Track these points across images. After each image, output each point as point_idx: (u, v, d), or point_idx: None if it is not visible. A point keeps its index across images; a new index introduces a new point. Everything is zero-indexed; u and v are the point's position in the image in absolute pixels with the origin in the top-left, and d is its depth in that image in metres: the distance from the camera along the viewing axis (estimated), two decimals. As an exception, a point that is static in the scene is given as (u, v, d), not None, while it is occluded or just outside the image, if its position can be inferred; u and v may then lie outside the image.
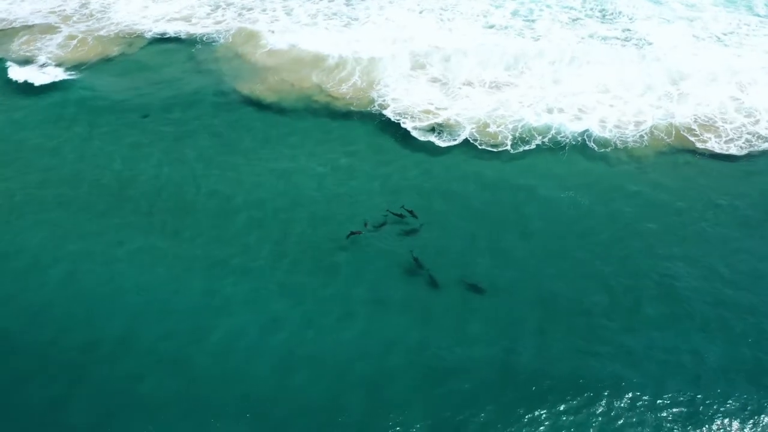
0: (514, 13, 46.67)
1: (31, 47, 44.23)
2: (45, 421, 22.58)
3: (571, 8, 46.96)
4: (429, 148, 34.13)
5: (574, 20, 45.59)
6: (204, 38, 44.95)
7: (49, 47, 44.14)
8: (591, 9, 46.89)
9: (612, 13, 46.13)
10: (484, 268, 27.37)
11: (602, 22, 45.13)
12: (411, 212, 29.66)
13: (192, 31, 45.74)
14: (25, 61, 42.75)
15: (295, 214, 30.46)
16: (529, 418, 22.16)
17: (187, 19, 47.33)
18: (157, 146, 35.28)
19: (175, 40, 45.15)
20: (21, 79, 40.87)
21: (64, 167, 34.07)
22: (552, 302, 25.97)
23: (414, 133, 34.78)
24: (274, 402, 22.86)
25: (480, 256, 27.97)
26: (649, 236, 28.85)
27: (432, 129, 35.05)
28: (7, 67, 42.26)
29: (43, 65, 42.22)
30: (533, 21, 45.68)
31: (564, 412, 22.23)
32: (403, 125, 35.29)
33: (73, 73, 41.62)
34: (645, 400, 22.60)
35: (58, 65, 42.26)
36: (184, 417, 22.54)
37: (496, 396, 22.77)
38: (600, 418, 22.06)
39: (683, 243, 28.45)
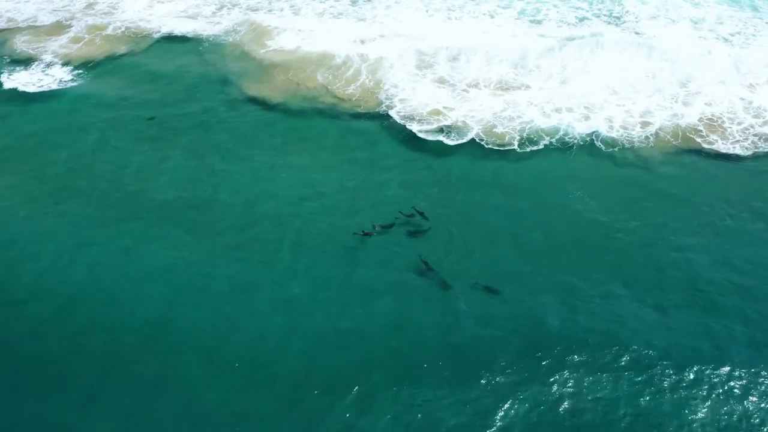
0: (521, 13, 46.69)
1: (37, 46, 44.19)
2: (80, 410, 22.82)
3: (579, 8, 46.99)
4: (436, 149, 34.08)
5: (581, 20, 45.63)
6: (211, 37, 45.01)
7: (54, 46, 44.10)
8: (599, 9, 46.94)
9: (619, 13, 46.15)
10: (497, 268, 27.33)
11: (609, 23, 45.14)
12: (422, 213, 29.65)
13: (199, 30, 45.80)
14: (31, 60, 42.71)
15: (307, 212, 30.44)
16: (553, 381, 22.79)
17: (193, 18, 47.42)
18: (167, 145, 35.20)
19: (182, 38, 45.18)
20: (25, 79, 40.82)
21: (78, 163, 34.10)
22: (569, 294, 26.07)
23: (421, 135, 34.78)
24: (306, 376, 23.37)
25: (493, 256, 27.88)
26: (663, 229, 28.99)
27: (440, 130, 35.02)
28: (12, 67, 42.25)
29: (48, 64, 42.19)
30: (540, 21, 45.65)
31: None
32: (409, 127, 35.25)
33: (79, 72, 41.62)
34: (666, 381, 22.93)
35: (65, 64, 42.27)
36: (220, 403, 22.78)
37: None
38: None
39: (697, 234, 28.65)
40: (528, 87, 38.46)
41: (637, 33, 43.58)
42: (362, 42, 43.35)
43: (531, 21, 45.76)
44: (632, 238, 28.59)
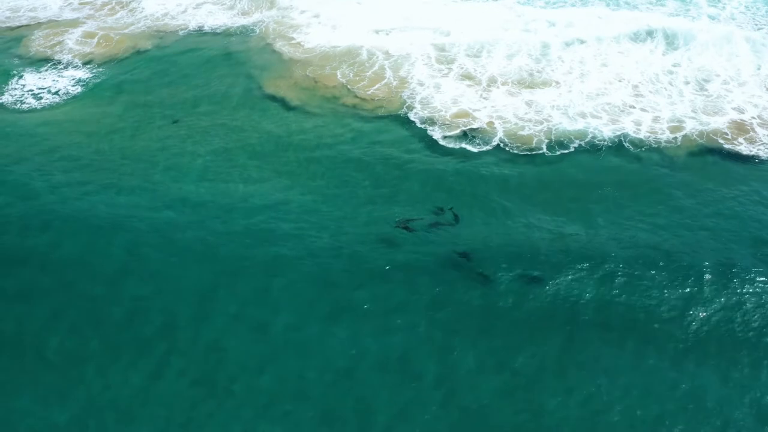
0: (546, 4, 46.98)
1: (57, 43, 44.27)
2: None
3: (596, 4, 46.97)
4: (460, 153, 33.99)
5: (600, 18, 45.27)
6: (239, 30, 45.33)
7: (76, 44, 44.20)
8: (617, 5, 46.92)
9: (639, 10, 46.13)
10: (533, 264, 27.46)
11: (628, 22, 44.71)
12: (455, 216, 29.63)
13: (228, 23, 46.14)
14: (49, 59, 42.81)
15: (334, 210, 30.43)
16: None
17: (218, 12, 47.57)
18: (192, 143, 35.16)
19: (207, 33, 45.42)
20: (46, 77, 41.01)
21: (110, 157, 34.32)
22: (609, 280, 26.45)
23: (442, 142, 34.56)
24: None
25: (527, 256, 27.84)
26: (701, 216, 29.44)
27: (464, 135, 34.87)
28: (30, 64, 42.46)
29: (68, 64, 42.18)
30: (562, 14, 45.63)
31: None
32: (430, 133, 35.05)
33: (102, 68, 41.77)
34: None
35: (86, 63, 42.31)
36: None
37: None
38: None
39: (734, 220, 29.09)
40: (549, 85, 38.48)
41: (660, 30, 43.29)
42: (386, 34, 43.69)
43: (553, 14, 45.73)
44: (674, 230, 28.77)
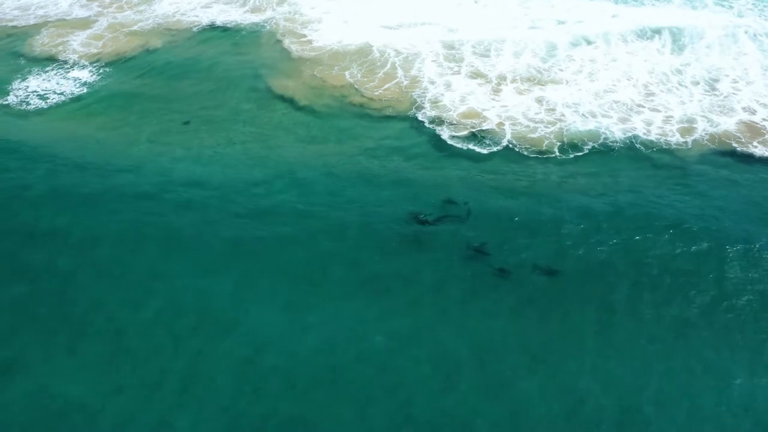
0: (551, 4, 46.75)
1: (67, 42, 44.30)
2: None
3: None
4: (470, 154, 33.92)
5: (613, 16, 45.34)
6: (246, 28, 45.41)
7: (85, 42, 44.26)
8: (624, 1, 46.86)
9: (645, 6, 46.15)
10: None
11: (635, 19, 44.83)
12: (468, 212, 29.65)
13: (238, 20, 46.26)
14: (57, 58, 42.74)
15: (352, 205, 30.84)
16: None
17: (230, 10, 47.67)
18: (205, 143, 35.20)
19: (217, 29, 45.64)
20: (56, 75, 40.97)
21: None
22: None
23: (450, 142, 34.45)
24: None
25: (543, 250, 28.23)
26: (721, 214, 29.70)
27: (473, 135, 34.74)
28: (41, 63, 42.33)
29: (75, 63, 42.10)
30: (569, 11, 45.68)
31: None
32: (439, 133, 34.97)
33: (110, 68, 41.74)
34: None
35: (95, 61, 42.26)
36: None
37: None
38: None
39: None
40: (558, 84, 38.54)
41: (667, 29, 43.42)
42: (395, 29, 43.96)
43: (560, 10, 45.87)
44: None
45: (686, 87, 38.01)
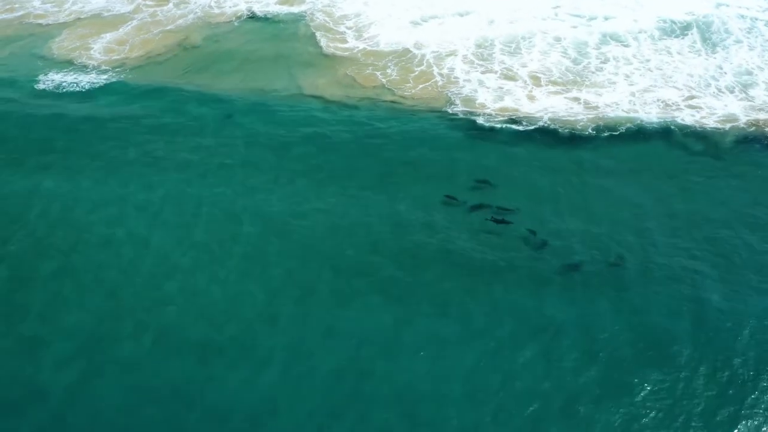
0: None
1: (103, 38, 44.65)
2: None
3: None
4: (506, 140, 34.51)
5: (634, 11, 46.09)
6: (284, 18, 46.30)
7: (122, 38, 44.62)
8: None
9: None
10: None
11: (662, 13, 45.49)
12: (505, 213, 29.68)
13: (270, 12, 47.08)
14: (93, 55, 43.03)
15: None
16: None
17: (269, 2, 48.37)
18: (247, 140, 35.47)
19: (258, 20, 46.42)
20: (93, 73, 41.11)
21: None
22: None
23: (487, 126, 35.22)
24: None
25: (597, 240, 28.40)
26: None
27: (510, 120, 35.49)
28: (81, 59, 42.63)
29: (104, 62, 42.03)
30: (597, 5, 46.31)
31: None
32: (477, 121, 35.61)
33: (151, 64, 42.08)
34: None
35: (130, 57, 42.53)
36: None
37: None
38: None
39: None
40: (591, 80, 39.02)
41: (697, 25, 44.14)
42: (431, 23, 44.77)
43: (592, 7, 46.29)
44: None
45: (721, 84, 38.48)
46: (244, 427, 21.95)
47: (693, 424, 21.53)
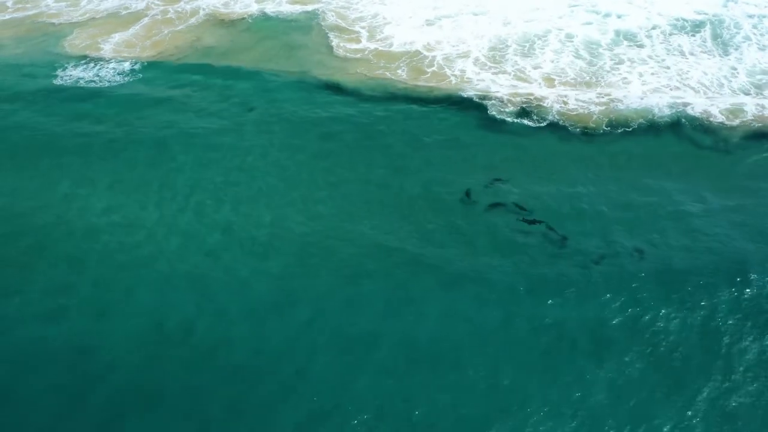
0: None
1: (117, 36, 44.83)
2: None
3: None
4: (518, 132, 34.88)
5: (650, 18, 46.18)
6: (297, 17, 46.32)
7: (136, 35, 44.83)
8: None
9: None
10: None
11: (674, 11, 45.72)
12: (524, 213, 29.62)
13: (283, 12, 47.07)
14: (102, 55, 43.05)
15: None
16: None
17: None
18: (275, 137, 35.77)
19: (271, 20, 46.45)
20: (111, 70, 41.29)
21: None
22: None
23: (500, 117, 35.60)
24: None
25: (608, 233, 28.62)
26: None
27: (522, 111, 35.86)
28: (93, 59, 42.67)
29: (124, 59, 42.19)
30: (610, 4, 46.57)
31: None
32: (489, 112, 36.00)
33: (167, 60, 42.20)
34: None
35: (146, 54, 42.64)
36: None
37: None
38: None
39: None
40: (604, 79, 39.11)
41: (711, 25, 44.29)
42: (444, 22, 44.83)
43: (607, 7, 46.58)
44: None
45: (735, 82, 38.50)
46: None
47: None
